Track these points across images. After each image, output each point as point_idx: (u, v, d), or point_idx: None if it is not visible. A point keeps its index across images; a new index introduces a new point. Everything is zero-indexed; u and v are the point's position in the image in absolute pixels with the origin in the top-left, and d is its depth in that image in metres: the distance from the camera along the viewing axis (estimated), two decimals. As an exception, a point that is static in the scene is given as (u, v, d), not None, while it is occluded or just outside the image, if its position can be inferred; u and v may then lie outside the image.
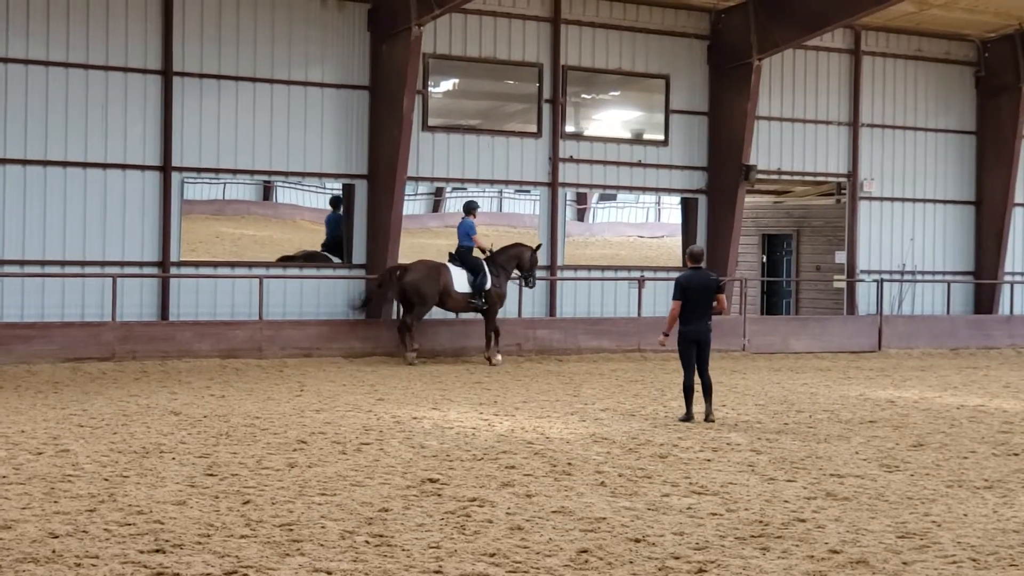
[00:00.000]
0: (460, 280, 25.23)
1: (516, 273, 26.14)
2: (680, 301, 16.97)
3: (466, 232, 25.51)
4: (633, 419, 17.26)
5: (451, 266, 25.38)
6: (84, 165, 24.25)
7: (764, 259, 34.83)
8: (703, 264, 17.46)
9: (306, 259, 26.77)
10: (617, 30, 29.21)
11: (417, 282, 24.94)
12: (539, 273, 27.03)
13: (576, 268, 28.88)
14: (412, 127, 25.99)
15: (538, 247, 26.59)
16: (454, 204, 28.36)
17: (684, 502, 11.44)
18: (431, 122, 27.24)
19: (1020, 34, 32.53)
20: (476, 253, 25.68)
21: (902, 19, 31.41)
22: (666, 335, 17.50)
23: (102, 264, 24.40)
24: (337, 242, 26.90)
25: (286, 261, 26.50)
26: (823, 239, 33.48)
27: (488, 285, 25.36)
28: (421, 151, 26.94)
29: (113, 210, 24.48)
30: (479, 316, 25.85)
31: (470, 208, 25.72)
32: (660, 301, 28.51)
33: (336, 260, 26.88)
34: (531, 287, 26.60)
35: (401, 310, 25.65)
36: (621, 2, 29.15)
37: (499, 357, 25.36)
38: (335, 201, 26.89)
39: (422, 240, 27.90)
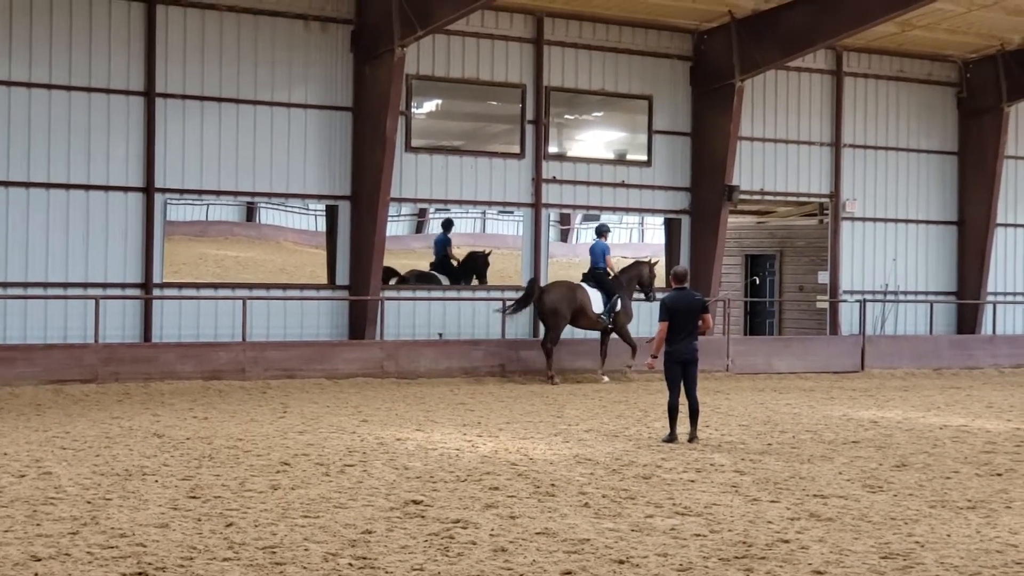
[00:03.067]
0: (596, 300, 26.27)
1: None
2: (667, 322, 17.03)
3: (602, 253, 26.58)
4: (616, 440, 17.26)
5: (586, 286, 26.36)
6: (67, 187, 24.21)
7: (755, 280, 34.83)
8: (687, 284, 17.54)
9: (418, 279, 27.77)
10: (600, 51, 29.27)
11: (555, 302, 25.93)
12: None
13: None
14: (395, 148, 26.04)
15: (655, 263, 27.69)
16: (437, 225, 28.36)
17: (668, 523, 11.44)
18: (414, 143, 27.26)
19: (1002, 55, 32.66)
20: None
21: (884, 40, 31.54)
22: (654, 357, 17.56)
23: (85, 286, 24.35)
24: (444, 262, 27.96)
25: (400, 281, 27.42)
26: (806, 259, 33.55)
27: (619, 307, 26.38)
28: (404, 172, 26.96)
29: (96, 231, 24.44)
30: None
31: (602, 231, 26.91)
32: (643, 321, 28.53)
33: (444, 280, 27.89)
34: (651, 301, 27.23)
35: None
36: (604, 23, 29.22)
37: (605, 378, 26.40)
38: (446, 224, 27.96)
39: (404, 261, 27.92)
